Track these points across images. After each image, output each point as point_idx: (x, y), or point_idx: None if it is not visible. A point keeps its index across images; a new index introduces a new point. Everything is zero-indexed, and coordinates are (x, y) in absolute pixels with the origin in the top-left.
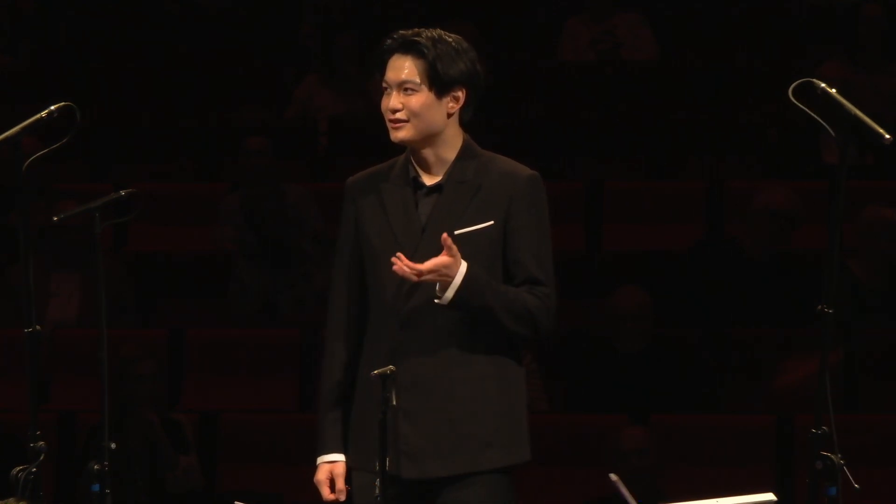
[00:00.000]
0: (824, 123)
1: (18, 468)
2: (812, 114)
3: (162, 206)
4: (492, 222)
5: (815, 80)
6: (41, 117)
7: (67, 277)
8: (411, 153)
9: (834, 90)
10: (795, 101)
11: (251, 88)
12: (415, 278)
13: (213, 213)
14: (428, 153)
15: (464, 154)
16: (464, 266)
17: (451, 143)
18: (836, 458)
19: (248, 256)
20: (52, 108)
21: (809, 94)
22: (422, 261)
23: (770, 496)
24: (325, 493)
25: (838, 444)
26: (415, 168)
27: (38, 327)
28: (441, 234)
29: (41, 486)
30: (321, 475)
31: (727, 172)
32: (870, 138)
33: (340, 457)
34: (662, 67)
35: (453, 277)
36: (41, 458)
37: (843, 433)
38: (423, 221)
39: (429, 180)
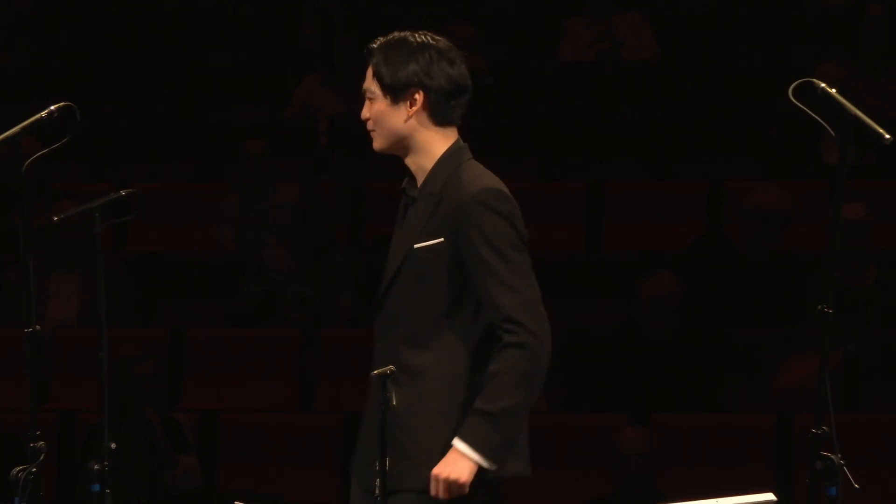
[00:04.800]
0: (824, 123)
1: (18, 468)
2: (812, 114)
3: (162, 206)
4: (442, 239)
5: (815, 80)
6: (41, 117)
7: (67, 277)
8: None
9: (834, 90)
10: (795, 101)
11: (251, 88)
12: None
13: (213, 213)
14: (409, 162)
15: (442, 162)
16: (462, 445)
17: (425, 151)
18: (836, 458)
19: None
20: (52, 108)
21: (809, 94)
22: (388, 276)
23: (770, 496)
24: None
25: (838, 444)
26: (410, 178)
27: (38, 327)
28: (403, 248)
29: (41, 486)
30: None
31: (727, 172)
32: (870, 138)
33: None
34: (662, 67)
35: (468, 468)
36: (41, 458)
37: (843, 433)
38: None
39: (413, 191)
